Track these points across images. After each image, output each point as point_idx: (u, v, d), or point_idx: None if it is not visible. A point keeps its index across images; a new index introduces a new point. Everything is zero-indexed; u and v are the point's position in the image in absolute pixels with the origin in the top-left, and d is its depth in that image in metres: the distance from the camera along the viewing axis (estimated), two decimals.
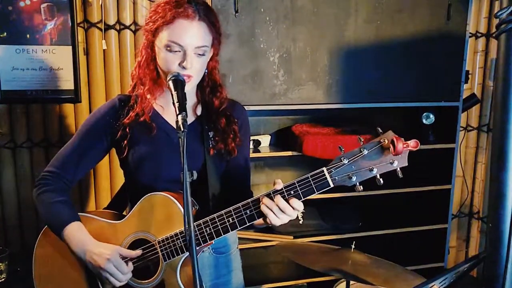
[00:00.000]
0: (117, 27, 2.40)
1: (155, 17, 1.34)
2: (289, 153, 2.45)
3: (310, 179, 1.22)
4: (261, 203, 1.25)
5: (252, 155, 2.28)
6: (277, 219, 1.25)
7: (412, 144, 1.15)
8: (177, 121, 1.15)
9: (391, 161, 1.18)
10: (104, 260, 1.33)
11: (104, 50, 2.39)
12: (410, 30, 2.42)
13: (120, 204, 1.62)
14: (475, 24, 2.91)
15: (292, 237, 2.49)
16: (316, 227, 2.57)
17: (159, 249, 1.36)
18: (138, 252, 1.37)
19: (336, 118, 2.65)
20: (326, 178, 1.21)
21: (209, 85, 1.47)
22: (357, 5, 2.34)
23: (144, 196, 1.38)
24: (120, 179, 1.63)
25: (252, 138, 2.49)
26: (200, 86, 1.47)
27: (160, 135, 1.43)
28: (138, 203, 1.39)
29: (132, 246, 1.40)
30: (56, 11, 2.31)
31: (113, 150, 1.50)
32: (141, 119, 1.41)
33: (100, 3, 2.35)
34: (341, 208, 2.66)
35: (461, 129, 2.97)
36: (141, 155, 1.42)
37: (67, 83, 2.37)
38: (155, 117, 1.44)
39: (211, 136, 1.46)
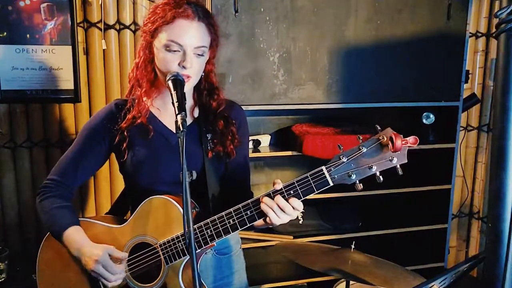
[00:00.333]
0: (117, 27, 2.40)
1: (154, 18, 1.34)
2: (289, 153, 2.45)
3: (310, 178, 1.22)
4: (261, 202, 1.25)
5: (252, 155, 2.28)
6: (277, 218, 1.25)
7: (411, 140, 1.14)
8: (176, 121, 1.14)
9: (390, 158, 1.17)
10: (92, 261, 1.33)
11: (104, 50, 2.39)
12: (410, 30, 2.42)
13: (121, 209, 1.62)
14: (475, 24, 2.91)
15: (292, 237, 2.49)
16: (316, 227, 2.57)
17: (160, 252, 1.35)
18: (125, 254, 1.37)
19: (336, 118, 2.65)
20: (325, 177, 1.21)
21: (206, 87, 1.47)
22: (357, 5, 2.33)
23: (145, 200, 1.38)
24: (120, 183, 1.63)
25: (252, 138, 2.48)
26: (197, 89, 1.48)
27: (157, 137, 1.43)
28: (139, 206, 1.39)
29: (134, 250, 1.40)
30: (56, 11, 2.31)
31: (113, 155, 1.50)
32: (138, 121, 1.41)
33: (100, 3, 2.35)
34: (341, 208, 2.66)
35: (461, 129, 2.97)
36: (139, 158, 1.42)
37: (67, 83, 2.38)
38: (152, 119, 1.44)
39: (209, 138, 1.46)
